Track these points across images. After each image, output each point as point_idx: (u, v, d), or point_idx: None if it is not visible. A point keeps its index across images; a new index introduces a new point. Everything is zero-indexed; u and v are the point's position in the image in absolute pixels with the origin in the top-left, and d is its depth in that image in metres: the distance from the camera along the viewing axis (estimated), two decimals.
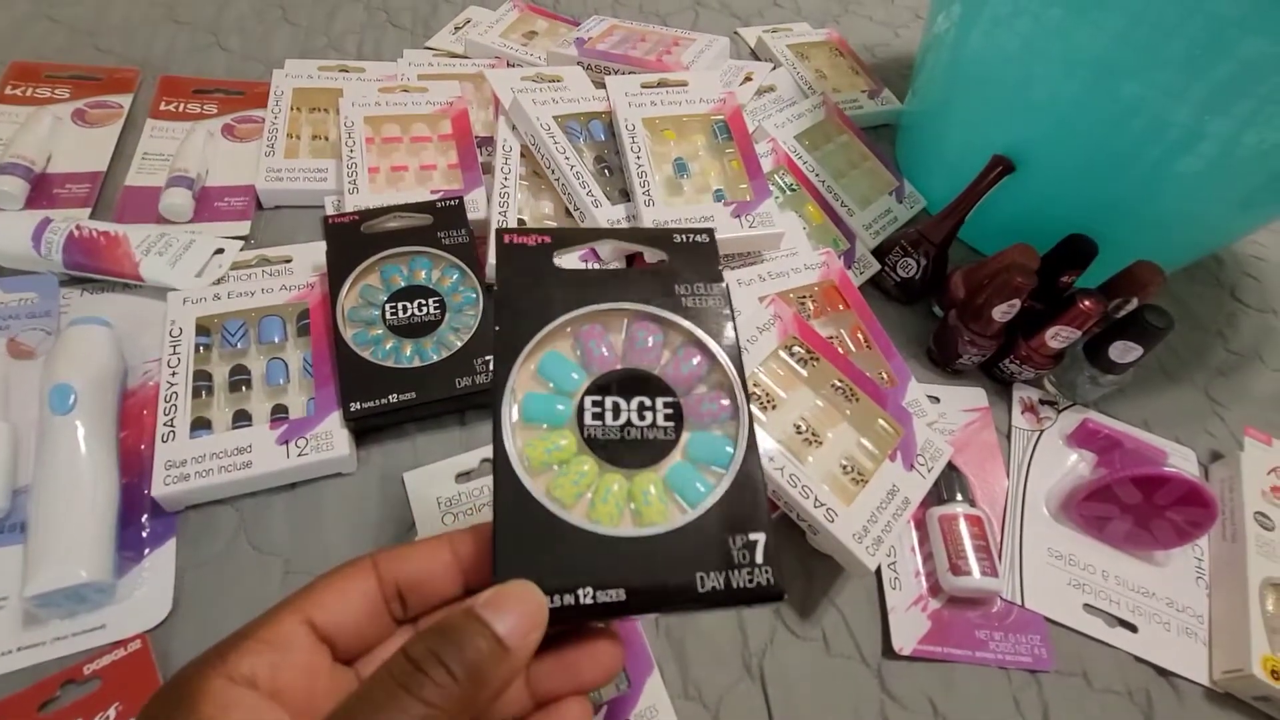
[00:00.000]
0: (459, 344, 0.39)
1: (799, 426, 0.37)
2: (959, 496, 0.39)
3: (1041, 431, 0.45)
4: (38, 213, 0.42)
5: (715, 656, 0.35)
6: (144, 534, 0.34)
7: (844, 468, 0.36)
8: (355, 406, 0.37)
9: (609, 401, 0.24)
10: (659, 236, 0.27)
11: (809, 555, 0.38)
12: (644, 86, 0.50)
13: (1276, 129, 0.39)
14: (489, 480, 0.37)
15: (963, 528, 0.38)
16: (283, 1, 0.64)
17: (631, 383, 0.24)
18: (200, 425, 0.36)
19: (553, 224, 0.46)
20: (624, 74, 0.54)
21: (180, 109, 0.52)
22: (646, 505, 0.22)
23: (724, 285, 0.27)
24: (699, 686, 0.34)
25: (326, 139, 0.51)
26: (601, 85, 0.51)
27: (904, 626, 0.36)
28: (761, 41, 0.67)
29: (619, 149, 0.47)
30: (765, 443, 0.35)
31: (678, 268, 0.27)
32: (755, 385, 0.37)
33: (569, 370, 0.24)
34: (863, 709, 0.34)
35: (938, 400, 0.45)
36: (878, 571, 0.38)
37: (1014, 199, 0.49)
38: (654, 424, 0.24)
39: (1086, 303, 0.41)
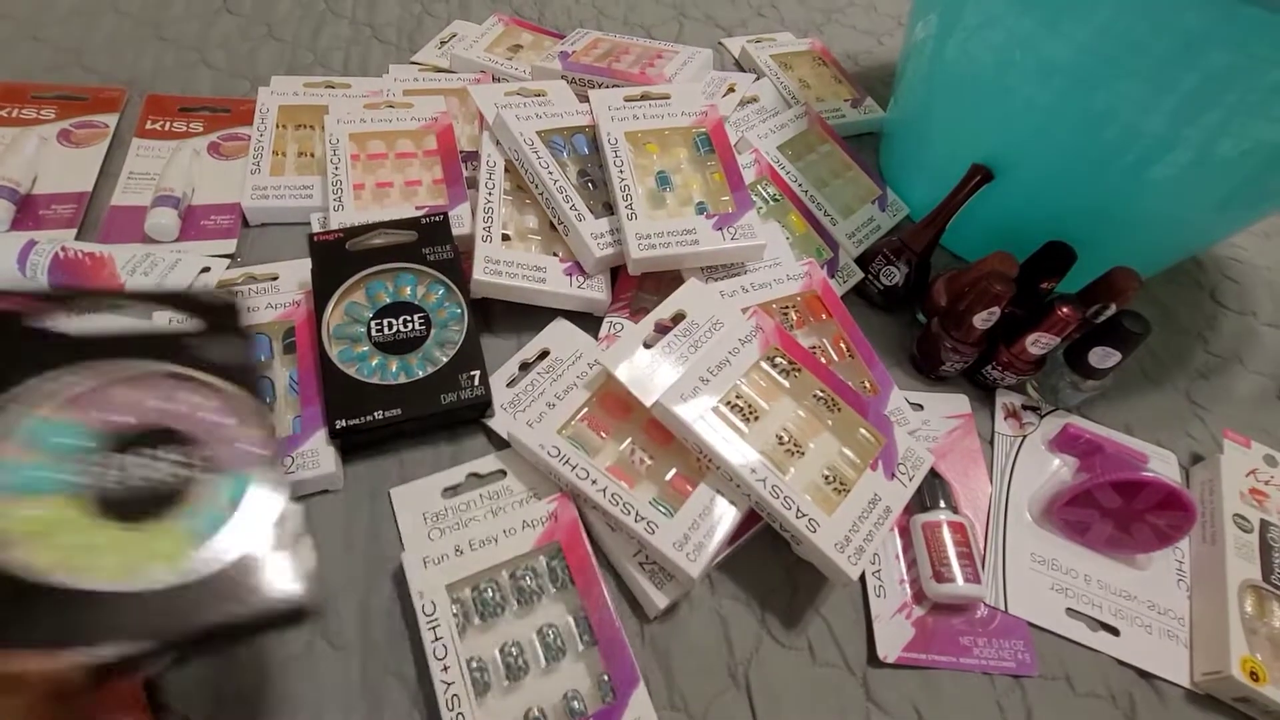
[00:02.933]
0: (445, 359, 0.40)
1: (781, 437, 0.37)
2: (942, 504, 0.39)
3: (1024, 437, 0.45)
4: (23, 234, 0.43)
5: (701, 666, 0.35)
6: None
7: (826, 478, 0.37)
8: (341, 424, 0.37)
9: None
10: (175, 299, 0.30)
11: (794, 565, 0.38)
12: (627, 100, 0.51)
13: (1248, 136, 0.39)
14: (475, 495, 0.38)
15: (946, 535, 0.38)
16: (268, 18, 0.64)
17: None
18: None
19: (537, 238, 0.47)
20: (608, 87, 0.54)
21: (166, 127, 0.52)
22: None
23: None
24: (685, 697, 0.34)
25: (312, 155, 0.51)
26: (585, 99, 0.51)
27: (888, 634, 0.36)
28: (745, 52, 0.68)
29: (602, 162, 0.47)
30: (747, 455, 0.35)
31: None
32: (738, 397, 0.38)
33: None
34: (848, 717, 0.34)
35: (921, 408, 0.46)
36: (862, 580, 0.38)
37: (994, 206, 0.50)
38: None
39: (1064, 310, 0.42)
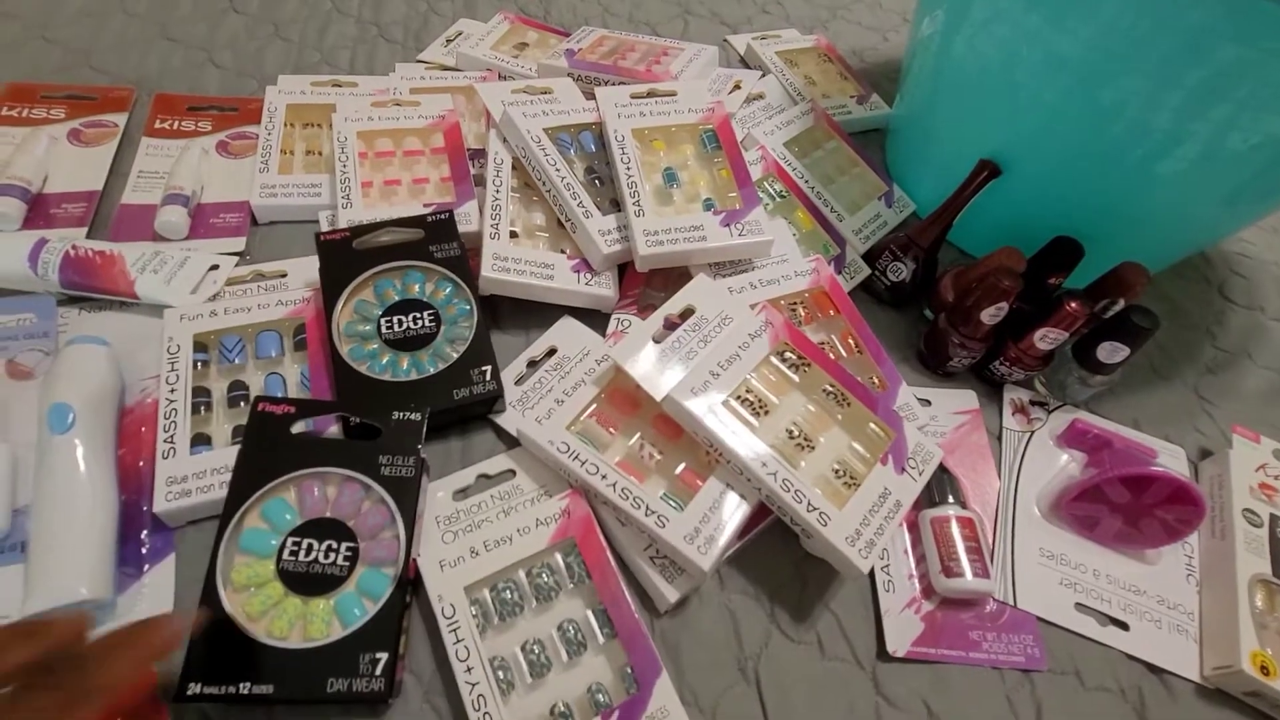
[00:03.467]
0: (455, 355, 0.40)
1: (791, 431, 0.37)
2: (951, 499, 0.39)
3: (1032, 433, 0.45)
4: (34, 233, 0.43)
5: (711, 661, 0.35)
6: (143, 550, 0.34)
7: (836, 471, 0.37)
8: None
9: (305, 542, 0.33)
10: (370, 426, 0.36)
11: (803, 560, 0.38)
12: (633, 97, 0.51)
13: (1257, 130, 0.39)
14: (486, 496, 0.38)
15: (955, 530, 0.38)
16: (275, 17, 0.64)
17: (329, 527, 0.34)
18: (200, 441, 0.36)
19: (545, 235, 0.47)
20: (614, 84, 0.55)
21: (175, 126, 0.52)
22: (312, 624, 0.31)
23: (419, 457, 0.35)
24: (695, 691, 0.34)
25: (320, 154, 0.51)
26: (592, 96, 0.51)
27: (898, 629, 0.36)
28: (750, 49, 0.68)
29: (609, 159, 0.47)
30: (757, 449, 0.35)
31: (386, 442, 0.36)
32: (748, 391, 0.38)
33: (285, 513, 0.34)
34: (857, 711, 0.34)
35: (929, 403, 0.46)
36: (871, 575, 0.38)
37: (1002, 202, 0.49)
38: (334, 562, 0.33)
39: (1073, 304, 0.42)
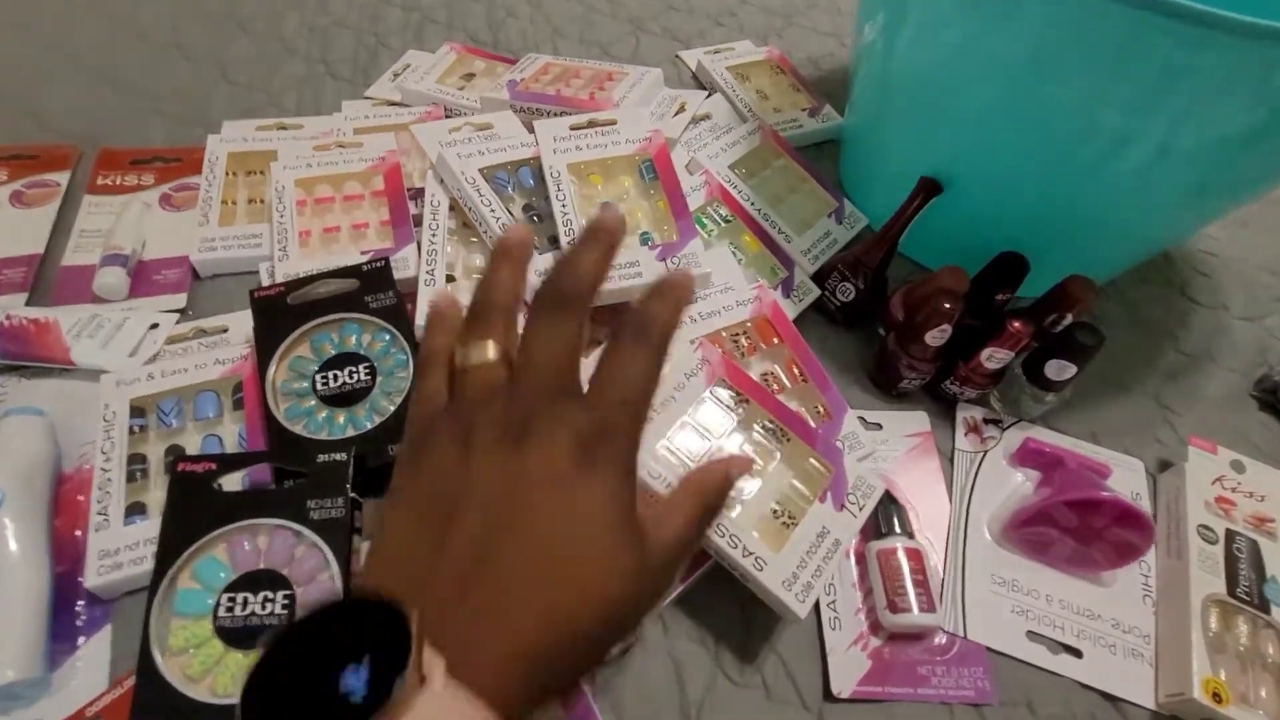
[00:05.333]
0: (391, 409, 0.40)
1: None
2: (897, 529, 0.39)
3: (985, 452, 0.45)
4: None
5: (653, 710, 0.35)
6: (79, 622, 0.34)
7: (775, 511, 0.36)
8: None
9: (240, 596, 0.33)
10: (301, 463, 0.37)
11: (749, 600, 0.38)
12: (573, 129, 0.50)
13: (1212, 126, 0.37)
14: None
15: (902, 561, 0.38)
16: (222, 61, 0.64)
17: (263, 578, 0.33)
18: (135, 511, 0.36)
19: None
20: (554, 115, 0.54)
21: (118, 182, 0.52)
22: None
23: (348, 498, 0.35)
24: None
25: (263, 202, 0.51)
26: (534, 129, 0.51)
27: (843, 668, 0.36)
28: (701, 65, 0.67)
29: (547, 196, 0.47)
30: None
31: (313, 485, 0.36)
32: (688, 428, 0.37)
33: (218, 571, 0.34)
34: None
35: (880, 427, 0.45)
36: (817, 611, 0.38)
37: (950, 215, 0.49)
38: (272, 612, 0.33)
39: (1016, 324, 0.41)
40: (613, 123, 0.51)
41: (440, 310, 0.28)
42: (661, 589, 0.24)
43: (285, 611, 0.33)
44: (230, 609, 0.33)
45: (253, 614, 0.32)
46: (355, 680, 0.17)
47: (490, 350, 0.25)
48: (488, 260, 0.27)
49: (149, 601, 0.32)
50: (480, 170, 0.47)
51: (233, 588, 0.33)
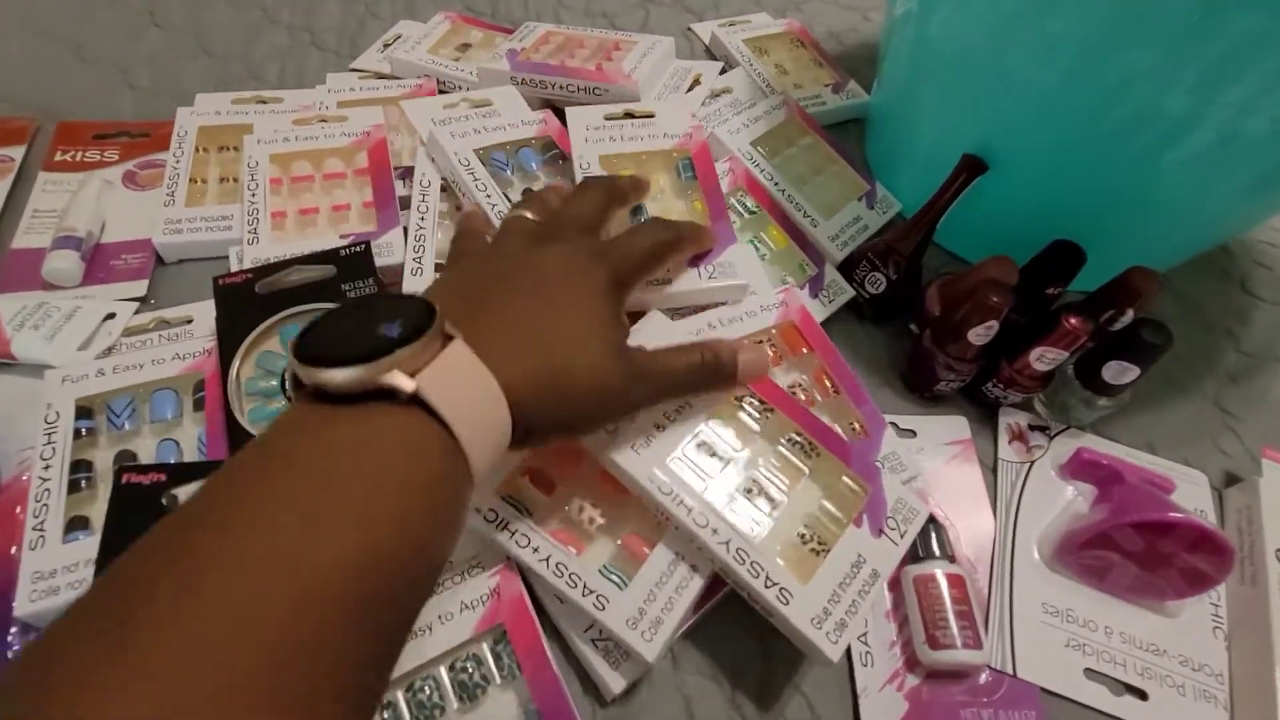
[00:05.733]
0: None
1: (750, 489, 0.33)
2: (937, 552, 0.35)
3: (1032, 463, 0.40)
4: None
5: None
6: (10, 652, 0.30)
7: (803, 536, 0.32)
8: None
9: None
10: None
11: (768, 633, 0.33)
12: (608, 119, 0.46)
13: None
14: None
15: (943, 590, 0.33)
16: (199, 30, 0.60)
17: None
18: (77, 525, 0.32)
19: None
20: (560, 88, 0.50)
21: (77, 158, 0.48)
22: None
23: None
24: None
25: (236, 181, 0.47)
26: (541, 106, 0.47)
27: (876, 711, 0.32)
28: (716, 38, 0.62)
29: (550, 181, 0.42)
30: (708, 512, 0.30)
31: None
32: (699, 445, 0.33)
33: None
34: None
35: (914, 434, 0.41)
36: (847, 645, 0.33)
37: (993, 200, 0.44)
38: None
39: (1072, 320, 0.36)
40: (651, 115, 0.46)
41: (474, 211, 0.37)
42: (635, 398, 0.29)
43: None
44: None
45: None
46: (391, 327, 0.21)
47: (529, 214, 0.33)
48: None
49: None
50: (476, 151, 0.42)
51: None
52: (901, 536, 0.32)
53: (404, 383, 0.20)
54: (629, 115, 0.47)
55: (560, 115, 0.47)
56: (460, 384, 0.22)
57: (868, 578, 0.31)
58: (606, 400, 0.27)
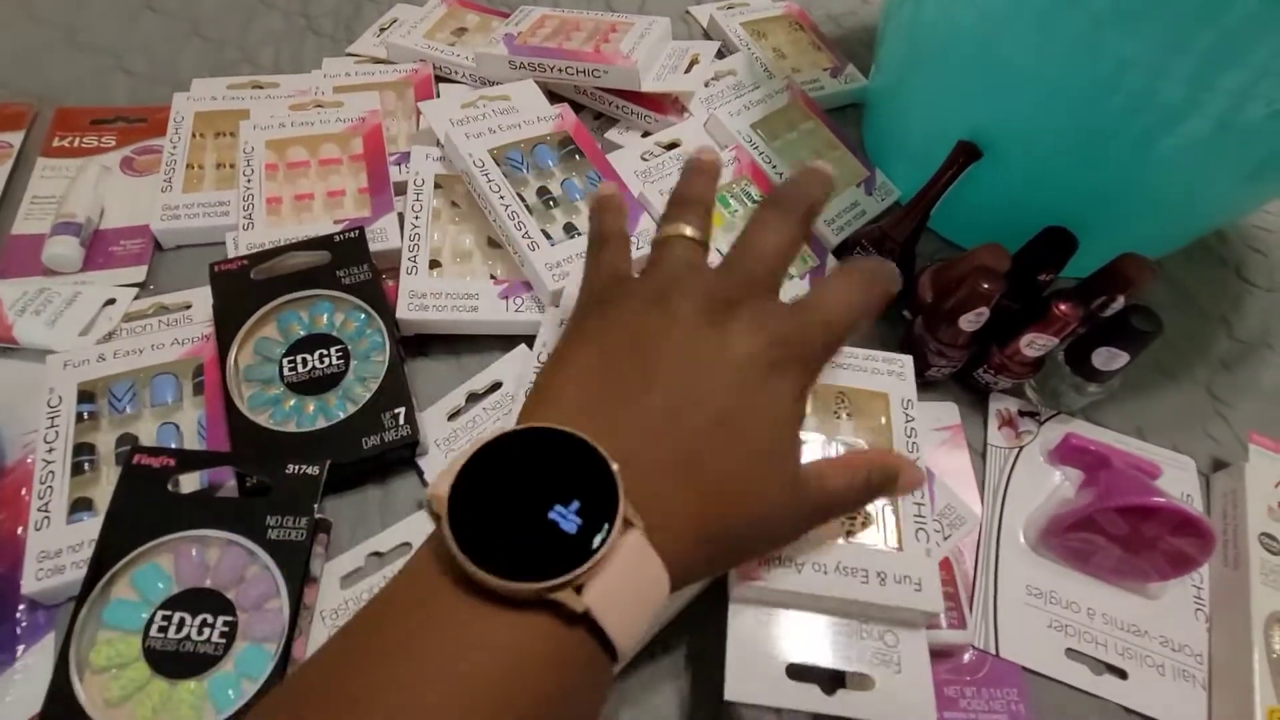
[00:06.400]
0: (367, 395, 0.36)
1: None
2: None
3: (1021, 448, 0.41)
4: None
5: None
6: (19, 630, 0.31)
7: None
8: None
9: (177, 616, 0.29)
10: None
11: None
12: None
13: (1277, 98, 0.33)
14: (378, 579, 0.33)
15: None
16: (194, 15, 0.59)
17: (206, 598, 0.30)
18: (81, 507, 0.33)
19: (477, 253, 0.42)
20: (578, 81, 0.50)
21: (75, 144, 0.48)
22: (178, 710, 0.27)
23: (313, 519, 0.31)
24: None
25: (232, 167, 0.47)
26: (557, 101, 0.49)
27: None
28: (714, 21, 0.62)
29: (565, 179, 0.43)
30: None
31: (277, 499, 0.32)
32: None
33: (158, 581, 0.30)
34: None
35: None
36: None
37: (987, 187, 0.44)
38: (208, 639, 0.29)
39: (1062, 307, 0.37)
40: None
41: (608, 195, 0.30)
42: (799, 528, 0.25)
43: (223, 640, 0.29)
44: (164, 629, 0.29)
45: (187, 638, 0.29)
46: (566, 515, 0.18)
47: (689, 229, 0.26)
48: (680, 176, 0.29)
49: (76, 607, 0.29)
50: (490, 151, 0.42)
51: (171, 604, 0.29)
52: (945, 539, 0.33)
53: (575, 603, 0.18)
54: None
55: (577, 109, 0.48)
56: (631, 589, 0.19)
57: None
58: (771, 533, 0.24)
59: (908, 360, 0.36)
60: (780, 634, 0.29)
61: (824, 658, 0.28)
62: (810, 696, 0.28)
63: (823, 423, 0.34)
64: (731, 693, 0.27)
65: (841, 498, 0.25)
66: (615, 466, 0.19)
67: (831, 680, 0.29)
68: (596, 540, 0.18)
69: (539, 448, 0.19)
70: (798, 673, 0.28)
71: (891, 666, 0.28)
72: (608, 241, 0.28)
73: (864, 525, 0.31)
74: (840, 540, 0.30)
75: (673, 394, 0.21)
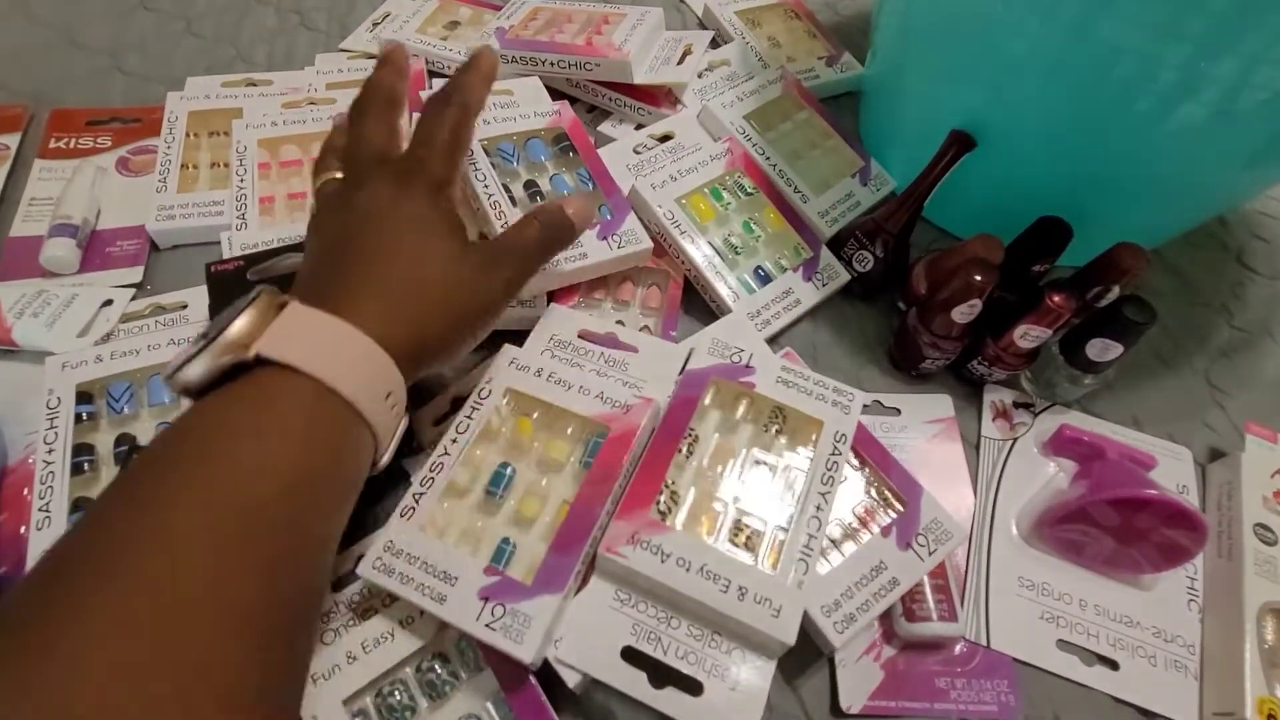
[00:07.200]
0: None
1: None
2: None
3: (1014, 440, 0.41)
4: None
5: None
6: None
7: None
8: None
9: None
10: None
11: None
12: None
13: (1275, 82, 0.33)
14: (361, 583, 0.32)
15: None
16: (187, 12, 0.59)
17: None
18: (81, 507, 0.33)
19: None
20: (571, 74, 0.50)
21: (72, 145, 0.48)
22: None
23: None
24: None
25: (226, 166, 0.47)
26: (557, 97, 0.49)
27: (853, 680, 0.33)
28: (708, 10, 0.61)
29: (553, 173, 0.43)
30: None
31: None
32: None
33: None
34: None
35: (898, 412, 0.41)
36: None
37: (983, 176, 0.44)
38: None
39: (1056, 298, 0.36)
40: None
41: (391, 49, 0.36)
42: (507, 280, 0.31)
43: None
44: None
45: None
46: (222, 319, 0.25)
47: (335, 174, 0.33)
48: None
49: None
50: (482, 142, 0.42)
51: None
52: (930, 554, 0.33)
53: (241, 354, 0.24)
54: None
55: (570, 103, 0.48)
56: (301, 334, 0.24)
57: (886, 584, 0.32)
58: (475, 292, 0.30)
59: (859, 397, 0.35)
60: (630, 615, 0.29)
61: (660, 651, 0.29)
62: (636, 683, 0.28)
63: (756, 435, 0.35)
64: (561, 652, 0.28)
65: (533, 246, 0.32)
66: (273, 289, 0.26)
67: (663, 677, 0.28)
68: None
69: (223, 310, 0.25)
70: (633, 656, 0.29)
71: (727, 682, 0.28)
72: (367, 110, 0.33)
73: (748, 540, 0.31)
74: (717, 544, 0.31)
75: (324, 254, 0.30)
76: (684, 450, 0.33)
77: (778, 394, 0.35)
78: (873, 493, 0.35)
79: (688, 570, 0.29)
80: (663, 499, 0.32)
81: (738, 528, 0.31)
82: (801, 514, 0.31)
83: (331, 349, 0.25)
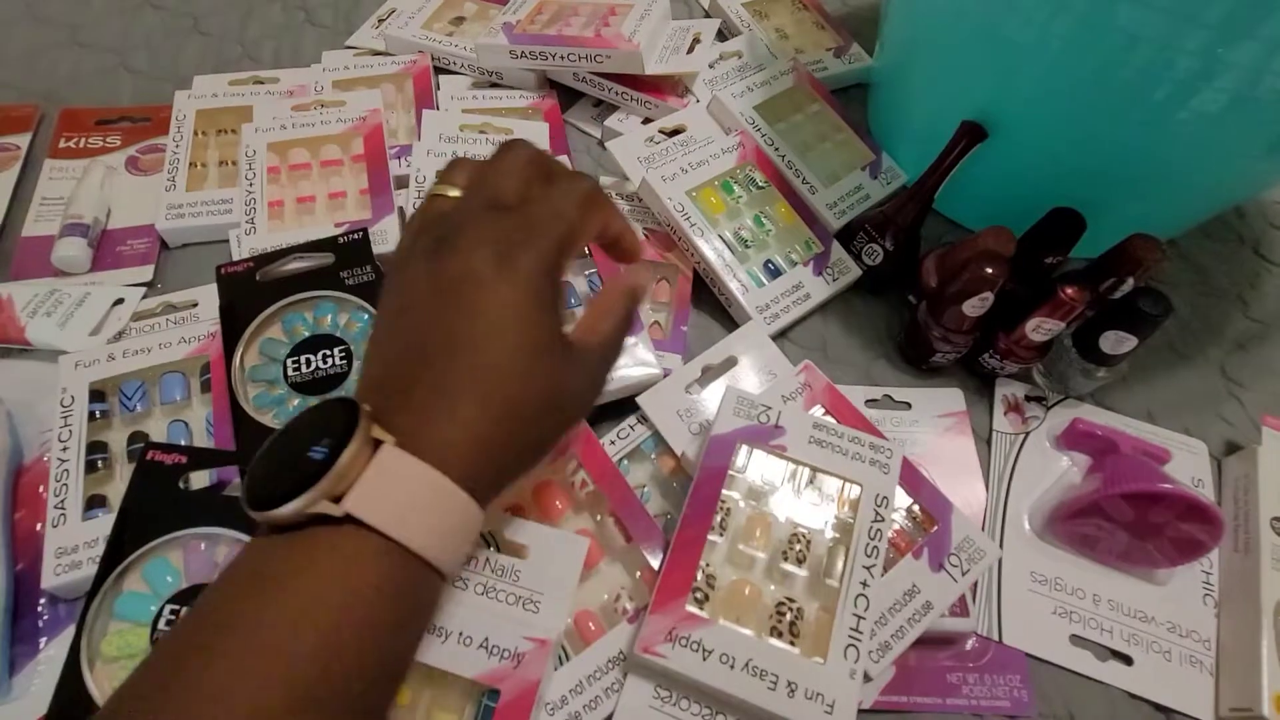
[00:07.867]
0: None
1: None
2: None
3: (1027, 434, 0.40)
4: None
5: None
6: (41, 622, 0.32)
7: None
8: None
9: (184, 610, 0.29)
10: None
11: None
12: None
13: None
14: None
15: None
16: (193, 10, 0.59)
17: None
18: (95, 504, 0.34)
19: None
20: (581, 67, 0.50)
21: (81, 144, 0.48)
22: None
23: None
24: None
25: (234, 164, 0.47)
26: (563, 90, 0.50)
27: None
28: (715, 2, 0.61)
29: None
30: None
31: None
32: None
33: (167, 575, 0.31)
34: None
35: (909, 406, 0.41)
36: None
37: (994, 167, 0.43)
38: None
39: (1069, 291, 0.36)
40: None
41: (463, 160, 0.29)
42: (596, 382, 0.27)
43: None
44: (172, 622, 0.30)
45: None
46: (316, 450, 0.21)
47: (452, 190, 0.26)
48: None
49: (89, 599, 0.29)
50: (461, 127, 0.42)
51: (179, 598, 0.30)
52: (963, 574, 0.32)
53: (332, 509, 0.20)
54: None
55: (575, 96, 0.49)
56: (394, 488, 0.21)
57: (920, 608, 0.31)
58: (563, 404, 0.25)
59: (897, 449, 0.33)
60: (672, 714, 0.28)
61: None
62: None
63: (790, 496, 0.32)
64: None
65: (618, 335, 0.28)
66: (367, 407, 0.22)
67: None
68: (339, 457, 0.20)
69: (316, 413, 0.22)
70: None
71: None
72: (523, 150, 0.27)
73: (793, 625, 0.29)
74: (761, 636, 0.28)
75: (414, 335, 0.24)
76: (717, 525, 0.31)
77: (811, 456, 0.32)
78: (903, 514, 0.34)
79: (731, 667, 0.27)
80: (699, 585, 0.29)
81: (782, 609, 0.29)
82: (847, 594, 0.29)
83: (423, 512, 0.22)
